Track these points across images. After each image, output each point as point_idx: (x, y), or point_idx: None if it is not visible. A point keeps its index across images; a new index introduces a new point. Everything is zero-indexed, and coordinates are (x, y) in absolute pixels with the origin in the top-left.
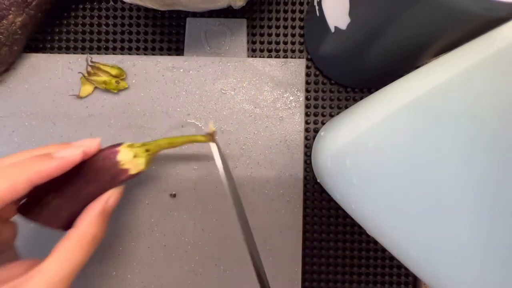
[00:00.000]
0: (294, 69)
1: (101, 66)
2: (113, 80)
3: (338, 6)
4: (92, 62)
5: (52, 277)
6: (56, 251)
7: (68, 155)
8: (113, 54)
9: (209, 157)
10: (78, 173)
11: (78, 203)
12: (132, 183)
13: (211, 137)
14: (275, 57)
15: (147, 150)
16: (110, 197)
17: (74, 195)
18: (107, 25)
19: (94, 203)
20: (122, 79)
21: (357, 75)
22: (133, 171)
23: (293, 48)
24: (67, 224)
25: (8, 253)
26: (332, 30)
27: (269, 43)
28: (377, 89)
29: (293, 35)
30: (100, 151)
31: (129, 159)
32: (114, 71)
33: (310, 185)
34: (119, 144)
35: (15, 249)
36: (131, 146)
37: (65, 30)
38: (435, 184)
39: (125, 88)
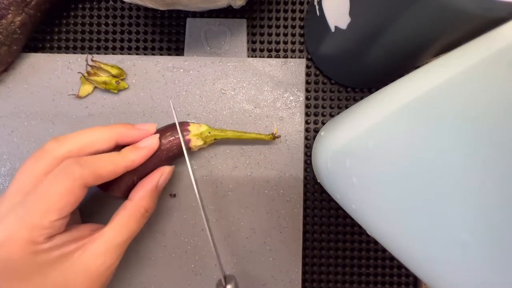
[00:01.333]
0: (294, 69)
1: (102, 66)
2: (113, 80)
3: (339, 5)
4: (93, 61)
5: (111, 241)
6: (115, 220)
7: (151, 143)
8: (113, 54)
9: (209, 157)
10: None
11: (139, 174)
12: None
13: (273, 136)
14: (275, 57)
15: (211, 133)
16: (162, 175)
17: (138, 167)
18: (106, 24)
19: (148, 179)
20: (122, 79)
21: (357, 75)
22: (193, 143)
23: (293, 48)
24: (127, 192)
25: (76, 214)
26: (332, 29)
27: (269, 43)
28: (377, 89)
29: (293, 35)
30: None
31: (195, 133)
32: (114, 71)
33: (310, 185)
34: (186, 123)
35: (78, 211)
36: (199, 125)
37: (64, 29)
38: (436, 184)
39: (125, 88)
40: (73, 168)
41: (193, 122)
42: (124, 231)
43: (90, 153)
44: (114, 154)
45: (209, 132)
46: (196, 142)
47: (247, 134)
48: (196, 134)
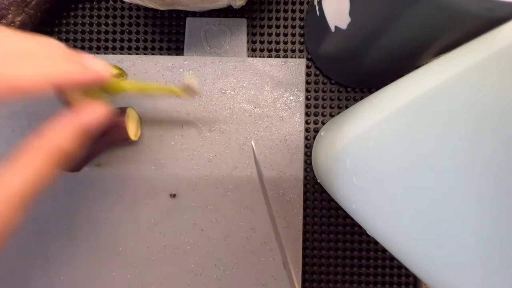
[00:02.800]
0: (294, 69)
1: None
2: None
3: (339, 6)
4: None
5: (10, 188)
6: (15, 161)
7: (96, 63)
8: (113, 54)
9: (209, 157)
10: None
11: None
12: (132, 184)
13: (189, 90)
14: (275, 57)
15: (104, 91)
16: (91, 112)
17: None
18: (106, 24)
19: (72, 116)
20: (122, 80)
21: (357, 75)
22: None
23: (293, 48)
24: (76, 166)
25: None
26: (332, 29)
27: (269, 43)
28: (377, 89)
29: (293, 35)
30: None
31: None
32: (115, 71)
33: (310, 185)
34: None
35: None
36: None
37: (64, 29)
38: (435, 184)
39: None
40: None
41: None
42: (29, 173)
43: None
44: (43, 59)
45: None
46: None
47: (152, 87)
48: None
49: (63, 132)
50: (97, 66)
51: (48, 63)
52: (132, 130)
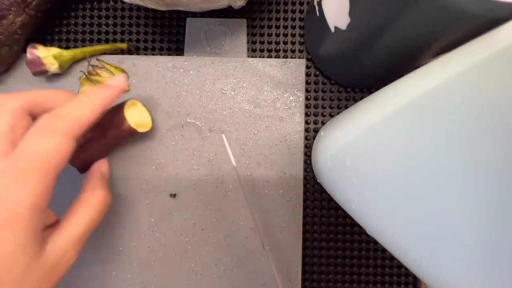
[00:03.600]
0: (294, 69)
1: (106, 66)
2: None
3: (338, 6)
4: (98, 60)
5: (71, 235)
6: (73, 212)
7: (119, 82)
8: (113, 54)
9: (209, 157)
10: None
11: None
12: (132, 184)
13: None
14: (275, 57)
15: (64, 55)
16: (103, 163)
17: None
18: (107, 25)
19: (92, 171)
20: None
21: (357, 75)
22: (48, 67)
23: (293, 48)
24: (84, 165)
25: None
26: (332, 30)
27: (269, 43)
28: (377, 89)
29: (293, 35)
30: None
31: (46, 55)
32: (117, 72)
33: (310, 185)
34: None
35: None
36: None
37: (65, 30)
38: (435, 184)
39: (126, 90)
40: (56, 122)
41: (41, 45)
42: (83, 223)
43: (45, 110)
44: (82, 97)
45: (62, 54)
46: (51, 67)
47: (101, 46)
48: (47, 56)
49: (98, 185)
50: (114, 81)
51: (92, 98)
52: (133, 119)
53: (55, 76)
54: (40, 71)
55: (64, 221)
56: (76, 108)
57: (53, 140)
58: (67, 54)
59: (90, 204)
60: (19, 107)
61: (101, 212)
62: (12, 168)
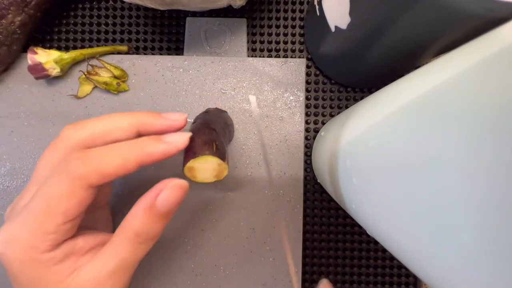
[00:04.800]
0: (294, 69)
1: (107, 65)
2: (114, 82)
3: (339, 5)
4: (98, 60)
5: (102, 268)
6: (109, 241)
7: (177, 140)
8: (113, 54)
9: None
10: None
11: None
12: (132, 184)
13: (130, 46)
14: (275, 57)
15: (64, 58)
16: (162, 190)
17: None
18: (106, 24)
19: (144, 196)
20: (124, 81)
21: (357, 75)
22: (50, 72)
23: (293, 48)
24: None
25: (105, 209)
26: (333, 29)
27: (269, 43)
28: (377, 89)
29: (293, 35)
30: None
31: (47, 60)
32: (117, 72)
33: (310, 185)
34: None
35: (108, 206)
36: (47, 52)
37: (64, 29)
38: (436, 184)
39: (125, 90)
40: (73, 166)
41: (41, 48)
42: (118, 254)
43: (107, 142)
44: (126, 144)
45: (62, 58)
46: (53, 72)
47: (101, 48)
48: (48, 61)
49: (138, 218)
50: (174, 137)
51: (129, 149)
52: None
53: (56, 77)
54: (42, 76)
55: (103, 249)
56: (106, 154)
57: (63, 186)
58: (68, 57)
59: (122, 236)
60: (75, 144)
61: (135, 249)
62: (28, 205)
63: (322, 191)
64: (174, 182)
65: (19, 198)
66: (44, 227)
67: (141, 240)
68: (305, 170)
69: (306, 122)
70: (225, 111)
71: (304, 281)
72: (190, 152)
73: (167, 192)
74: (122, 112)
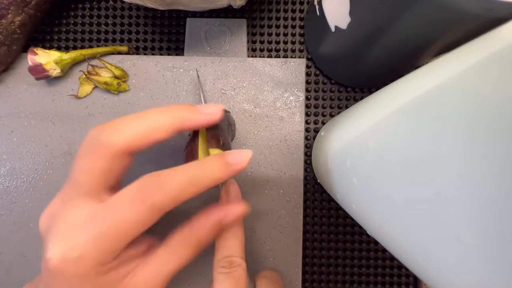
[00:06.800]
0: (294, 69)
1: (107, 65)
2: (115, 82)
3: (339, 5)
4: (99, 60)
5: (162, 268)
6: (169, 243)
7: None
8: (113, 54)
9: None
10: None
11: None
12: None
13: (130, 46)
14: (275, 57)
15: (64, 58)
16: (234, 212)
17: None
18: (106, 24)
19: (216, 210)
20: (124, 81)
21: (357, 75)
22: (51, 73)
23: (293, 48)
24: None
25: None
26: (333, 29)
27: (269, 43)
28: (377, 89)
29: (293, 35)
30: None
31: (47, 61)
32: (117, 72)
33: (310, 185)
34: None
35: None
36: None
37: (64, 29)
38: (436, 184)
39: (126, 90)
40: (152, 194)
41: (41, 49)
42: (177, 259)
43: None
44: (196, 170)
45: (62, 58)
46: (53, 72)
47: (101, 49)
48: (48, 62)
49: (206, 227)
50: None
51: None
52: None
53: (56, 77)
54: (42, 77)
55: (158, 251)
56: (182, 181)
57: (141, 212)
58: (68, 57)
59: (185, 239)
60: (115, 151)
61: (194, 252)
62: (93, 220)
63: (322, 191)
64: (243, 207)
65: (56, 207)
66: (113, 247)
67: (202, 246)
68: (305, 170)
69: (306, 122)
70: (228, 111)
71: (304, 281)
72: (194, 146)
73: (235, 214)
74: (156, 108)
